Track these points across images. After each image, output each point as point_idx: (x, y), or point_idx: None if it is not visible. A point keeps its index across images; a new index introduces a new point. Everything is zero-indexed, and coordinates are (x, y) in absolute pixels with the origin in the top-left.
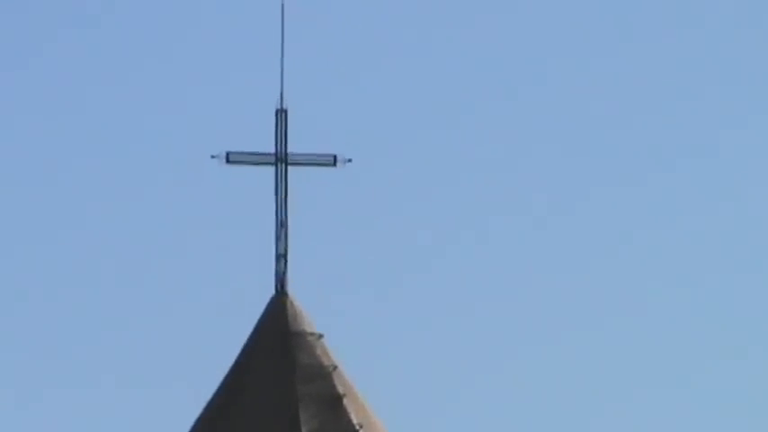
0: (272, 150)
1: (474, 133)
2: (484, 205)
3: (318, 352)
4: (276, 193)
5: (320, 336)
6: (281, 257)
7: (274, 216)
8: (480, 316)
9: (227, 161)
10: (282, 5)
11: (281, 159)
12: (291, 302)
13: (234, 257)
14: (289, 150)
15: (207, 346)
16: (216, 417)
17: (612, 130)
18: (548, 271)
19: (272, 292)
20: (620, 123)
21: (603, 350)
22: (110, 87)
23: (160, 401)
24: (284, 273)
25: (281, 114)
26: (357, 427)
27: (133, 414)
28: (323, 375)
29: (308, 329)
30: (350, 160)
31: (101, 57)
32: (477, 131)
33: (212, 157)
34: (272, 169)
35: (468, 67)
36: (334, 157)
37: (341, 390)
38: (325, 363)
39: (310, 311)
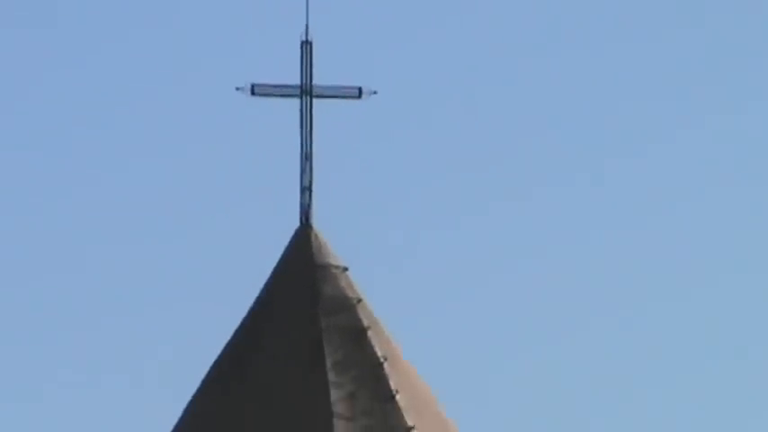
0: (298, 82)
1: (503, 69)
2: (511, 141)
3: (343, 284)
4: (301, 126)
5: (345, 268)
6: (306, 190)
7: (299, 148)
8: (503, 249)
9: (252, 93)
10: None
11: (306, 92)
12: (316, 235)
13: (259, 190)
14: (314, 82)
15: (232, 277)
16: (241, 348)
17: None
18: (586, 223)
19: (297, 224)
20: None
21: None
22: (133, 22)
23: (187, 329)
24: (309, 205)
25: (307, 46)
26: (381, 360)
27: (163, 339)
28: (347, 307)
29: (333, 262)
30: (375, 92)
31: None
32: (507, 68)
33: (237, 89)
34: (297, 101)
35: (496, 4)
36: (360, 89)
37: (365, 322)
38: (350, 295)
39: (335, 244)
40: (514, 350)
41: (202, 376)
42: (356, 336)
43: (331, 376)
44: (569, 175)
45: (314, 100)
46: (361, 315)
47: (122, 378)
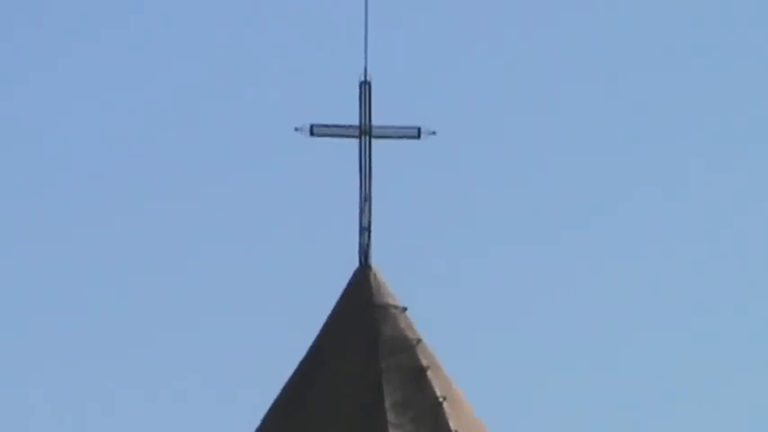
0: (357, 123)
1: (559, 109)
2: (566, 178)
3: (402, 325)
4: (360, 166)
5: (404, 309)
6: (365, 230)
7: (358, 189)
8: (560, 291)
9: (311, 134)
10: None
11: (365, 132)
12: (375, 275)
13: (318, 230)
14: (373, 123)
15: (291, 318)
16: (300, 388)
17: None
18: (624, 266)
19: (356, 264)
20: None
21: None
22: (194, 60)
23: (245, 376)
24: (368, 245)
25: (365, 86)
26: (441, 399)
27: (220, 388)
28: (406, 348)
29: (392, 302)
30: (434, 133)
31: (184, 27)
32: (563, 108)
33: (296, 129)
34: (356, 142)
35: (555, 42)
36: (419, 129)
37: (424, 362)
38: (409, 335)
39: (394, 284)
40: (570, 389)
41: (262, 416)
42: (415, 376)
43: (390, 417)
44: (619, 206)
45: (373, 140)
46: (421, 355)
47: (178, 425)
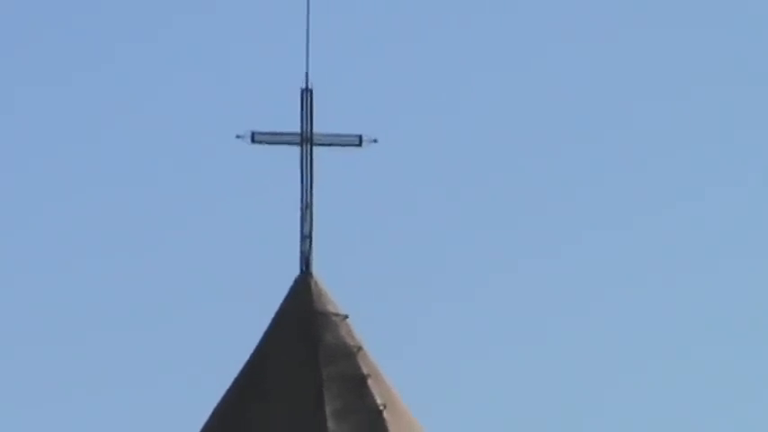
0: (298, 130)
1: (501, 110)
2: (508, 183)
3: (343, 332)
4: (301, 174)
5: (345, 316)
6: (306, 238)
7: (299, 196)
8: (502, 296)
9: (253, 141)
10: None
11: (306, 139)
12: (316, 283)
13: (259, 237)
14: (314, 130)
15: (231, 326)
16: (240, 396)
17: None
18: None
19: (297, 272)
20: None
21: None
22: (135, 64)
23: (184, 383)
24: (309, 253)
25: (307, 94)
26: (381, 407)
27: (160, 395)
28: (347, 355)
29: (333, 310)
30: (375, 140)
31: (130, 27)
32: (504, 109)
33: (237, 136)
34: (297, 149)
35: (494, 44)
36: (360, 137)
37: (365, 370)
38: (350, 343)
39: (335, 292)
40: (516, 400)
41: (203, 421)
42: (356, 384)
43: (331, 424)
44: (559, 245)
45: (314, 148)
46: (361, 363)
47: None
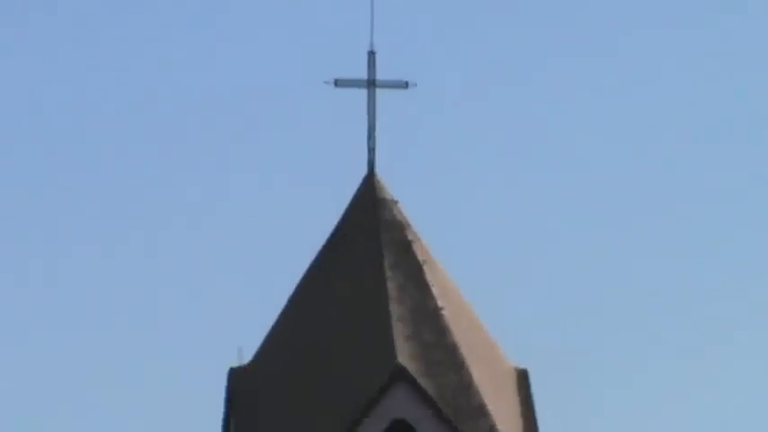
0: (365, 77)
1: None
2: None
3: (395, 212)
4: (368, 109)
5: (396, 201)
6: (372, 150)
7: (366, 124)
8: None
9: (336, 85)
10: None
11: (371, 84)
12: (378, 180)
13: (340, 150)
14: (376, 77)
15: (318, 209)
16: (321, 262)
17: None
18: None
19: (366, 172)
20: None
21: None
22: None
23: (268, 261)
24: (373, 160)
25: (371, 55)
26: (422, 263)
27: (244, 267)
28: (399, 227)
29: (389, 197)
30: (416, 84)
31: None
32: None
33: (325, 82)
34: (365, 91)
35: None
36: (406, 82)
37: (410, 237)
38: (399, 219)
39: (390, 187)
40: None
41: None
42: (404, 246)
43: (387, 273)
44: None
45: (377, 90)
46: (408, 232)
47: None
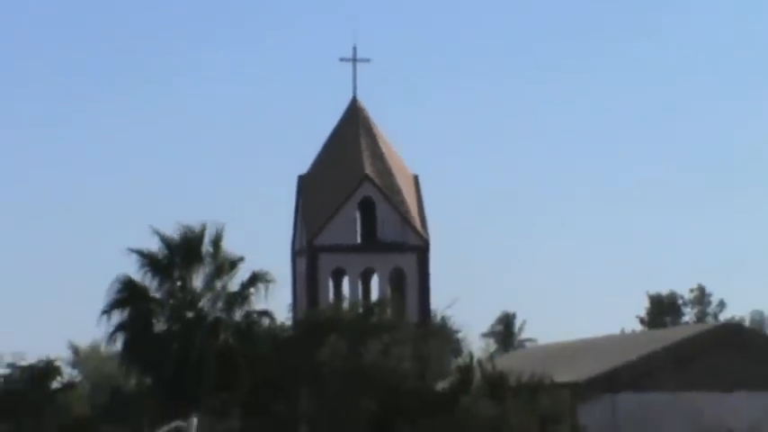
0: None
1: None
2: None
3: (375, 123)
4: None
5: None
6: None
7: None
8: None
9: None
10: None
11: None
12: (359, 102)
13: (335, 88)
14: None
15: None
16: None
17: None
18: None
19: (351, 96)
20: None
21: None
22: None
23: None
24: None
25: (354, 61)
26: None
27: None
28: (379, 137)
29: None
30: (369, 60)
31: None
32: None
33: (341, 59)
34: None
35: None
36: (369, 59)
37: (386, 140)
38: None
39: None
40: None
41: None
42: (379, 146)
43: (366, 166)
44: None
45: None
46: (379, 138)
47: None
